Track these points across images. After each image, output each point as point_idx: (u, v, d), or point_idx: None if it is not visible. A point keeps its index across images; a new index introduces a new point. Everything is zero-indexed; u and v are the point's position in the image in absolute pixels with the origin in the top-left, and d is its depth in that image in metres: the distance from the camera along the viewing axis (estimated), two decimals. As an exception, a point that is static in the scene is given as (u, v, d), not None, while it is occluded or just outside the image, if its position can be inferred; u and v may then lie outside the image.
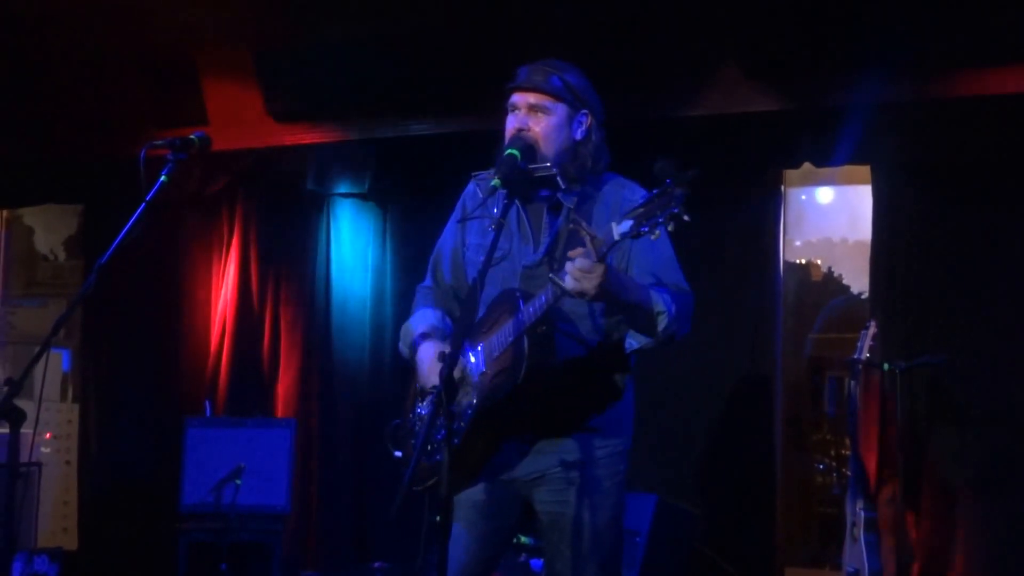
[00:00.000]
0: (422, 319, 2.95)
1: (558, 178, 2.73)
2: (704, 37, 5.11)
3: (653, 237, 2.36)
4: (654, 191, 2.34)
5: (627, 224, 2.37)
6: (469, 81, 5.25)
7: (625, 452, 2.81)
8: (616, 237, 2.39)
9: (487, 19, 5.21)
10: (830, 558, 5.58)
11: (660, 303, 2.61)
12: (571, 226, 2.55)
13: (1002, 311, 4.84)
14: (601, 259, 2.42)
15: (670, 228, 2.32)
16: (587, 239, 2.41)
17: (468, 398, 2.68)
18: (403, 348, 2.96)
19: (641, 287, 2.62)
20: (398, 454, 2.84)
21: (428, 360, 2.80)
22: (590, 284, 2.41)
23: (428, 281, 3.09)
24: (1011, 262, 4.84)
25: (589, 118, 2.82)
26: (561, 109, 2.77)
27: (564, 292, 2.46)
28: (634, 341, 2.69)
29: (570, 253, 2.45)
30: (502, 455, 2.75)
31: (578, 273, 2.41)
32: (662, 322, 2.62)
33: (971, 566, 4.72)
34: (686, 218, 2.30)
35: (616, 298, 2.53)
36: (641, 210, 2.35)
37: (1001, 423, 4.78)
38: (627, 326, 2.67)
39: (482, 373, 2.69)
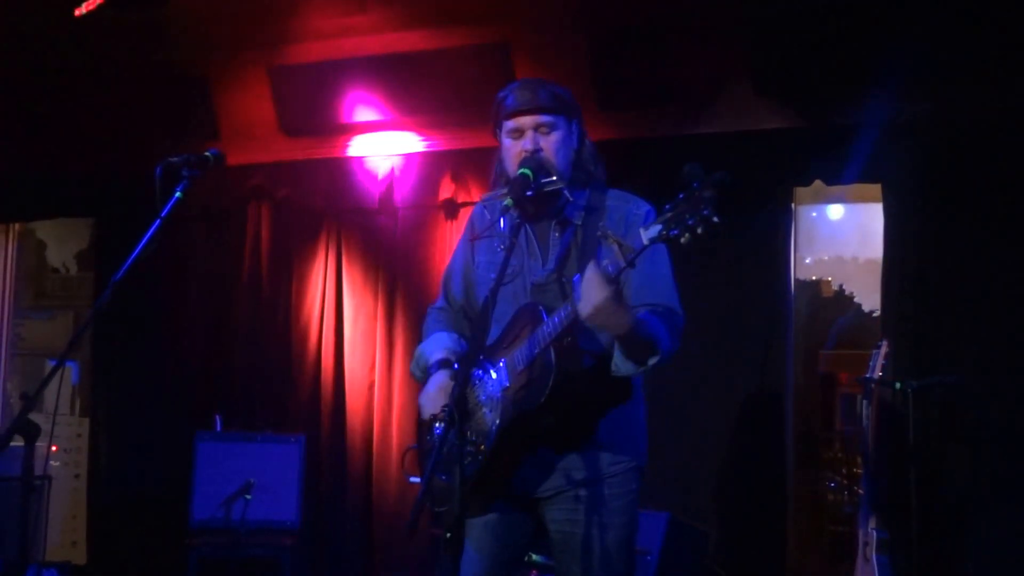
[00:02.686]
0: (437, 343, 2.94)
1: (564, 191, 2.75)
2: (715, 55, 5.12)
3: (683, 240, 2.32)
4: (680, 195, 2.31)
5: (655, 229, 2.34)
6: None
7: (638, 469, 2.80)
8: (645, 242, 2.37)
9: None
10: (841, 577, 5.56)
11: (656, 341, 2.61)
12: (598, 234, 2.54)
13: (1015, 329, 4.82)
14: (630, 264, 2.41)
15: (700, 231, 2.29)
16: (615, 246, 2.40)
17: (493, 415, 2.68)
18: (416, 371, 2.96)
19: (643, 321, 2.61)
20: (415, 480, 2.82)
21: (433, 388, 2.80)
22: (600, 297, 2.41)
23: (440, 302, 3.11)
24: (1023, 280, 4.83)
25: (580, 125, 2.87)
26: (562, 122, 2.81)
27: (576, 313, 2.47)
28: (621, 367, 2.65)
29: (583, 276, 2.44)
30: (519, 473, 2.74)
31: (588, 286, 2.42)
32: (653, 359, 2.61)
33: (984, 586, 4.70)
34: (716, 220, 2.27)
35: (623, 317, 2.50)
36: (669, 214, 2.32)
37: (1014, 442, 4.76)
38: (621, 352, 2.64)
39: (505, 388, 2.68)
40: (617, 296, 2.42)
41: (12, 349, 7.09)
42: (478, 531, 2.78)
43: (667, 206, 2.35)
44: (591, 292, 2.42)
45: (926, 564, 4.78)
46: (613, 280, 2.42)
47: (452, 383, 2.71)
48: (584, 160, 2.85)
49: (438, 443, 2.41)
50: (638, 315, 2.62)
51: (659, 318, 2.66)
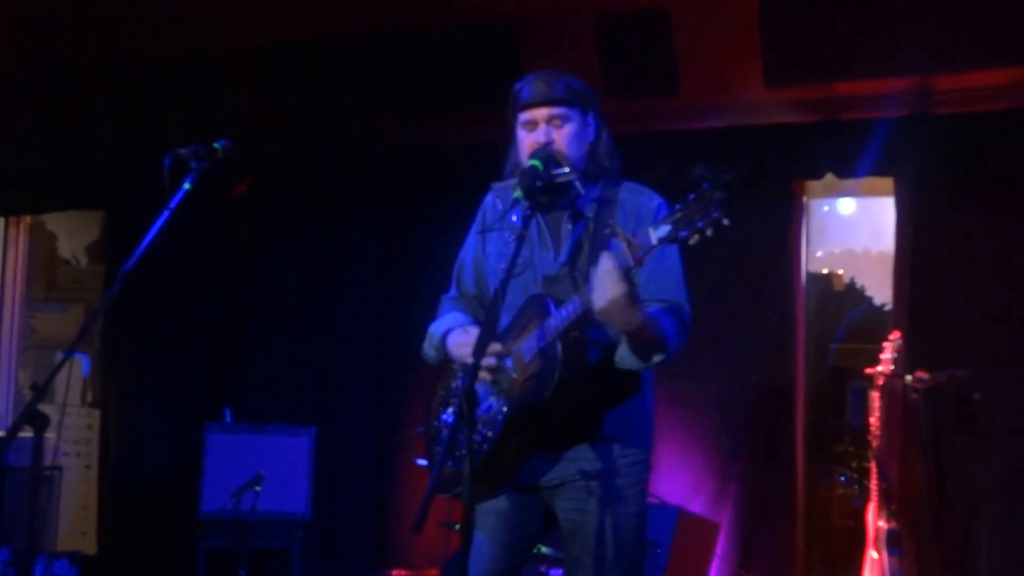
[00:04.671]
0: (450, 320, 2.94)
1: (576, 182, 2.73)
2: (725, 47, 5.10)
3: (692, 241, 2.31)
4: (691, 196, 2.30)
5: (665, 229, 2.33)
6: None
7: (646, 461, 2.79)
8: (654, 241, 2.36)
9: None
10: (851, 571, 5.54)
11: (664, 339, 2.59)
12: (607, 231, 2.53)
13: (1025, 323, 4.81)
14: (638, 262, 2.41)
15: (709, 233, 2.28)
16: (624, 244, 2.39)
17: (499, 404, 2.67)
18: (428, 350, 2.94)
19: (654, 319, 2.59)
20: (423, 462, 2.82)
21: (460, 339, 2.78)
22: (617, 291, 2.40)
23: (453, 291, 3.10)
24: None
25: (596, 118, 2.85)
26: (575, 114, 2.79)
27: (589, 308, 2.46)
28: (625, 360, 2.64)
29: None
30: (527, 462, 2.74)
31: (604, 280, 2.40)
32: (659, 357, 2.61)
33: (996, 579, 4.69)
34: (726, 222, 2.26)
35: (635, 314, 2.49)
36: (679, 215, 2.31)
37: (1025, 436, 4.74)
38: (627, 347, 2.63)
39: (512, 379, 2.68)
40: (631, 292, 2.41)
41: (24, 341, 7.11)
42: (489, 518, 2.78)
43: (677, 206, 2.33)
44: (607, 285, 2.41)
45: (936, 557, 4.77)
46: (628, 276, 2.41)
47: (475, 330, 2.69)
48: (599, 154, 2.82)
49: (449, 432, 2.40)
50: (649, 312, 2.60)
51: (669, 316, 2.64)
